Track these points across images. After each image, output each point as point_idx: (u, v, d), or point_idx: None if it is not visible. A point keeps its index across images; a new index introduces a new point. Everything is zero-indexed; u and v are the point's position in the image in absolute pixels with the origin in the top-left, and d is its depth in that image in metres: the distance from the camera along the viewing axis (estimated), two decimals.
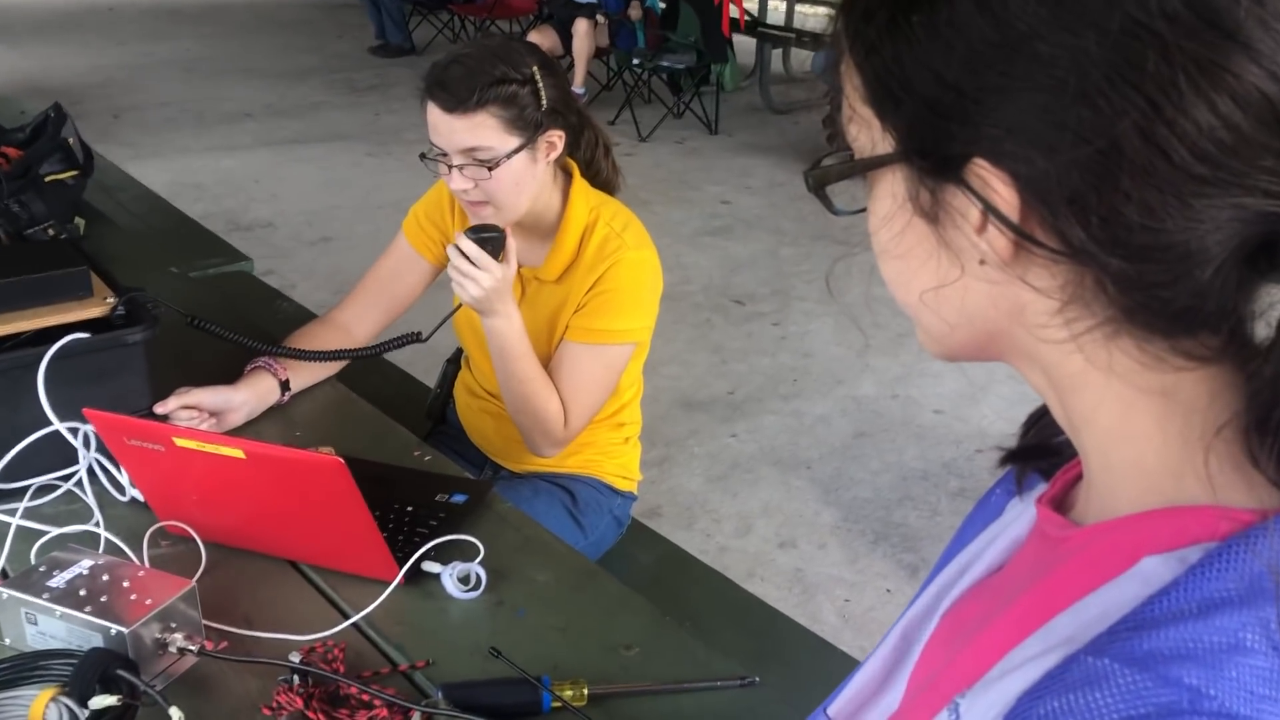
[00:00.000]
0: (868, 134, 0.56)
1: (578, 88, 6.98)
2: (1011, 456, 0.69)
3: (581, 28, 6.77)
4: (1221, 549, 0.48)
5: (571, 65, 6.94)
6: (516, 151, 1.57)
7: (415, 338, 1.61)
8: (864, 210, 0.59)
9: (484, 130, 1.55)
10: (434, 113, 1.57)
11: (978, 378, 3.70)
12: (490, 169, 1.56)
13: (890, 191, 0.56)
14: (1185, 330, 0.50)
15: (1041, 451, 0.67)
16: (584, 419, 1.68)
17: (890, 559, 2.84)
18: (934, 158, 0.52)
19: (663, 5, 6.75)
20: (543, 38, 6.99)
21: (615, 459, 1.87)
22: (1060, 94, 0.47)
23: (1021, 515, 0.68)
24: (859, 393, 3.69)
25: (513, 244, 1.55)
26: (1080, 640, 0.49)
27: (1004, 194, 0.50)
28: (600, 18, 6.85)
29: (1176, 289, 0.48)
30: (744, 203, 5.58)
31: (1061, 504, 0.62)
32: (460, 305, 1.57)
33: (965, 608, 0.68)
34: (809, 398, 3.66)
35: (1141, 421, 0.52)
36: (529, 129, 1.58)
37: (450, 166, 1.59)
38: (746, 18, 7.23)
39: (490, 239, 1.53)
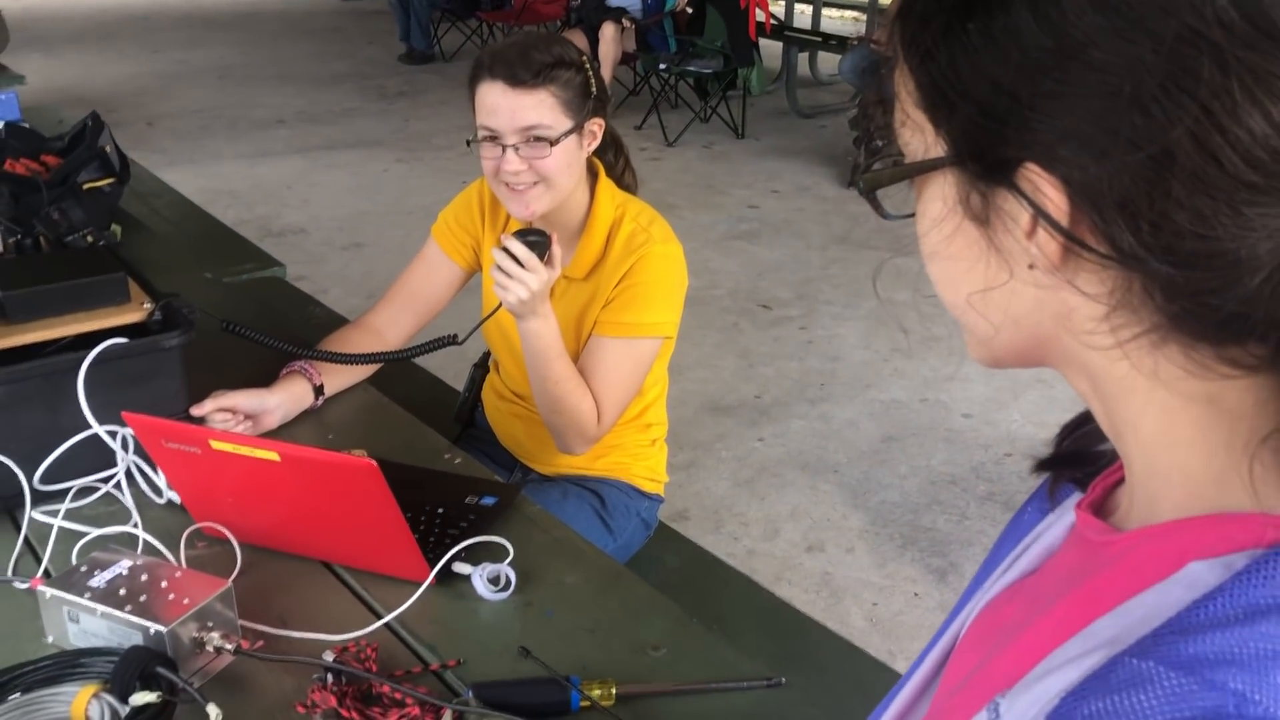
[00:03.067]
0: (920, 138, 0.57)
1: None
2: (1046, 464, 0.69)
3: (608, 32, 6.80)
4: (1268, 556, 0.48)
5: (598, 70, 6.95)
6: (570, 133, 1.60)
7: (451, 340, 1.63)
8: (912, 215, 0.60)
9: (544, 108, 1.58)
10: (493, 92, 1.59)
11: (1006, 383, 3.68)
12: (551, 144, 1.58)
13: (941, 194, 0.57)
14: (1232, 338, 0.50)
15: (1076, 460, 0.67)
16: (615, 413, 1.70)
17: (919, 563, 2.84)
18: (986, 162, 0.53)
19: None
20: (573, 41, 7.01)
21: (643, 461, 1.88)
22: (1114, 100, 0.48)
23: (1055, 523, 0.68)
24: (887, 397, 3.69)
25: (557, 250, 1.57)
26: (1123, 643, 0.49)
27: (1054, 198, 0.50)
28: (626, 22, 6.88)
29: (1225, 296, 0.48)
30: (771, 207, 5.59)
31: (1100, 509, 0.63)
32: (499, 308, 1.58)
33: (998, 610, 0.68)
34: (836, 402, 3.66)
35: (1186, 428, 0.53)
36: (579, 114, 1.61)
37: (505, 147, 1.60)
38: (773, 22, 7.23)
39: (536, 242, 1.55)
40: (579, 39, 7.00)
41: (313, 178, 5.97)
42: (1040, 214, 0.51)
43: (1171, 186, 0.47)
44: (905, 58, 0.56)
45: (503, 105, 1.58)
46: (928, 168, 0.56)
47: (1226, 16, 0.46)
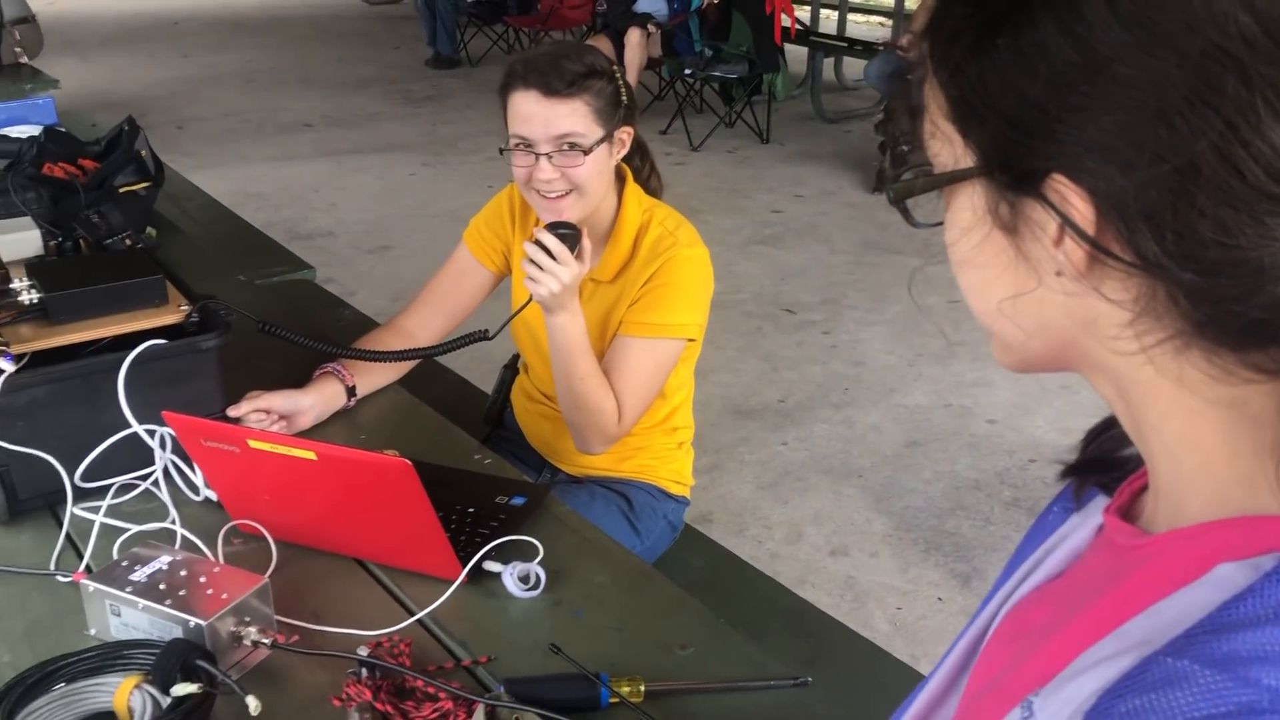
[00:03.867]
0: (950, 149, 0.58)
1: None
2: (1072, 470, 0.71)
3: (634, 37, 6.83)
4: None
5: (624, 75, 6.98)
6: (601, 141, 1.62)
7: (482, 335, 1.65)
8: (940, 224, 0.61)
9: (578, 117, 1.61)
10: (528, 101, 1.61)
11: (1031, 389, 3.68)
12: (585, 153, 1.60)
13: (970, 204, 0.58)
14: (1255, 344, 0.51)
15: (1102, 465, 0.68)
16: (636, 413, 1.71)
17: (942, 568, 2.85)
18: (1014, 173, 0.54)
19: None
20: (599, 48, 7.04)
21: (669, 464, 1.90)
22: (1140, 114, 0.49)
23: (1080, 526, 0.69)
24: (911, 402, 3.69)
25: (587, 243, 1.59)
26: (1155, 643, 0.50)
27: (1081, 208, 0.52)
28: (652, 28, 6.90)
29: (1248, 303, 0.49)
30: (795, 211, 5.60)
31: (1128, 513, 0.64)
32: (529, 302, 1.59)
33: (1025, 612, 0.69)
34: (860, 406, 3.67)
35: (1210, 432, 0.54)
36: (611, 122, 1.64)
37: (538, 156, 1.62)
38: (798, 27, 7.24)
39: (568, 235, 1.57)
40: (604, 44, 7.03)
41: (339, 181, 6.03)
42: (1067, 223, 0.52)
43: (1196, 197, 0.49)
44: (935, 71, 0.58)
45: (537, 114, 1.60)
46: (957, 178, 0.58)
47: (1250, 33, 0.47)
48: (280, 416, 1.60)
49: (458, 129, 7.00)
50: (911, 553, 2.91)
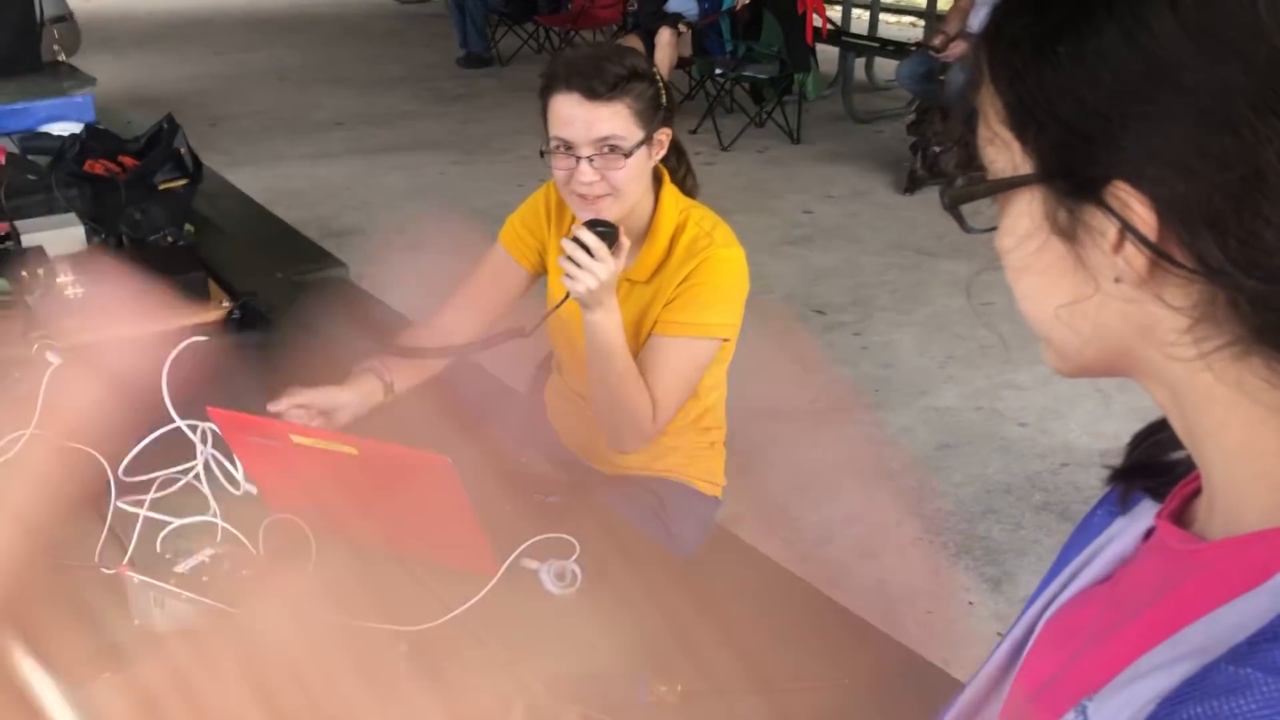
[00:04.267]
0: (1007, 156, 0.59)
1: None
2: (1119, 474, 0.70)
3: (664, 37, 6.82)
4: None
5: None
6: (641, 144, 1.63)
7: (518, 332, 1.67)
8: (993, 229, 0.62)
9: (619, 120, 1.61)
10: (570, 103, 1.61)
11: (1063, 392, 3.66)
12: (626, 156, 1.61)
13: (1028, 210, 0.58)
14: None
15: (1150, 470, 0.68)
16: (670, 412, 1.72)
17: (973, 572, 2.83)
18: (1075, 179, 0.55)
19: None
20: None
21: (702, 464, 1.90)
22: (1205, 122, 0.49)
23: (1127, 529, 0.69)
24: (942, 404, 3.68)
25: (625, 240, 1.59)
26: (1214, 650, 0.50)
27: (1143, 215, 0.52)
28: (683, 27, 6.90)
29: None
30: (825, 212, 5.58)
31: (1179, 518, 0.64)
32: (566, 299, 1.60)
33: (1072, 615, 0.69)
34: (891, 408, 3.65)
35: (1269, 439, 0.54)
36: (651, 124, 1.65)
37: (579, 158, 1.63)
38: (830, 27, 7.22)
39: (606, 233, 1.57)
40: (636, 44, 7.04)
41: (371, 179, 6.06)
42: (1129, 230, 0.53)
43: (1261, 205, 0.49)
44: (992, 78, 0.58)
45: (579, 117, 1.60)
46: (1016, 184, 0.58)
47: None
48: (319, 412, 1.62)
49: (488, 127, 7.02)
50: (942, 556, 2.90)
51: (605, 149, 1.61)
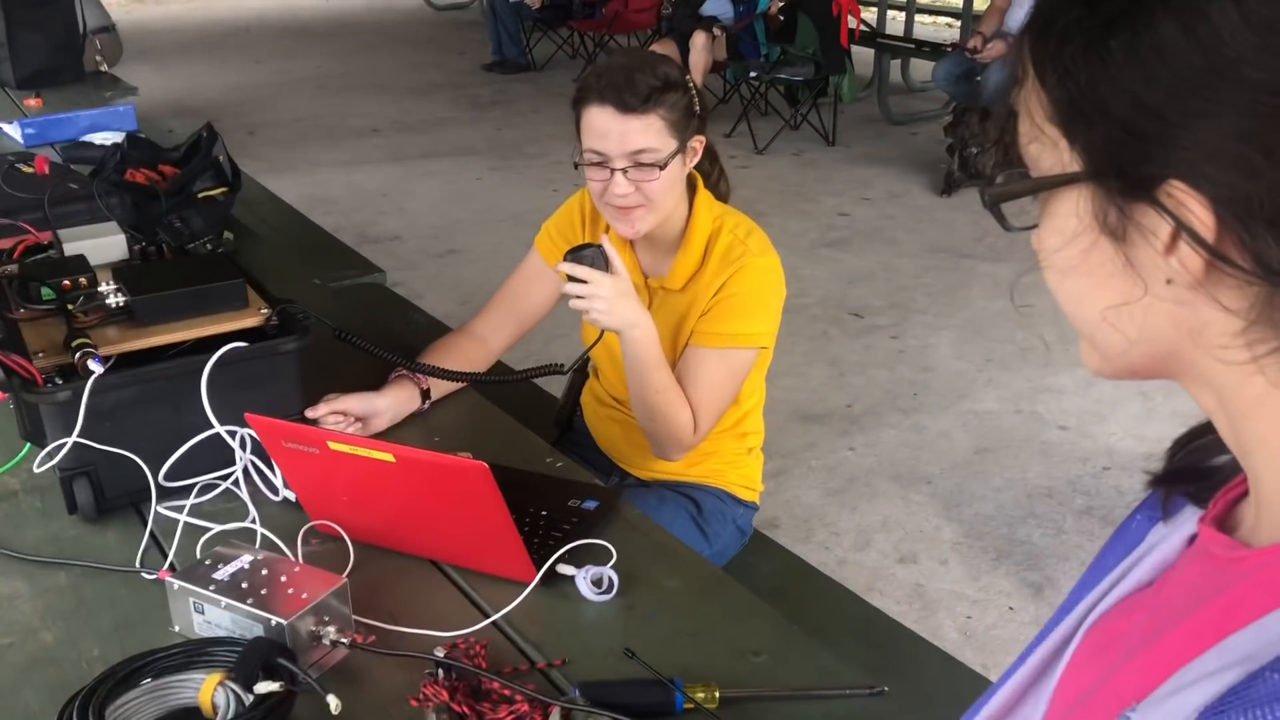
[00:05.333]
0: (1053, 153, 0.57)
1: None
2: (1161, 479, 0.69)
3: (699, 40, 6.82)
4: None
5: None
6: (675, 154, 1.62)
7: (557, 369, 1.68)
8: (1034, 227, 0.60)
9: (652, 132, 1.61)
10: (603, 116, 1.61)
11: (1105, 395, 3.61)
12: (660, 169, 1.61)
13: (1075, 210, 0.57)
14: None
15: (1191, 475, 0.67)
16: (711, 422, 1.71)
17: (1013, 577, 2.80)
18: (1128, 178, 0.53)
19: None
20: (665, 52, 7.05)
21: (739, 469, 1.89)
22: (1269, 119, 0.48)
23: (1169, 535, 0.68)
24: (981, 408, 3.64)
25: (612, 250, 1.59)
26: (1261, 658, 0.49)
27: (1200, 215, 0.50)
28: (717, 31, 6.89)
29: None
30: (861, 214, 5.55)
31: (1223, 524, 0.62)
32: (602, 335, 1.60)
33: (1114, 622, 0.68)
34: (929, 412, 3.63)
35: None
36: (684, 134, 1.64)
37: (613, 170, 1.63)
38: (864, 28, 7.18)
39: (589, 255, 1.57)
40: (670, 48, 7.04)
41: (408, 185, 6.10)
42: (1186, 230, 0.51)
43: None
44: (1039, 75, 0.57)
45: (612, 129, 1.60)
46: (1064, 182, 0.56)
47: None
48: (356, 419, 1.62)
49: (523, 133, 7.05)
50: (982, 561, 2.87)
51: (639, 161, 1.61)
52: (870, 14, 8.22)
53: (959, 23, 8.32)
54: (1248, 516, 0.60)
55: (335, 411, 1.60)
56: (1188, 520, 0.66)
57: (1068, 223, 0.57)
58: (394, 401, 1.66)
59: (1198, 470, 0.67)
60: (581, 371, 2.07)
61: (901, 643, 1.78)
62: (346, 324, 1.80)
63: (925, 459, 3.35)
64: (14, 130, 3.27)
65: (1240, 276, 0.51)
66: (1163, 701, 0.53)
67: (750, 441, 1.91)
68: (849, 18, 6.52)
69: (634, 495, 1.80)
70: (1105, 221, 0.55)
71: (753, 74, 6.72)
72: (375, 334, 1.93)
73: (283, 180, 5.75)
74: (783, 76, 6.65)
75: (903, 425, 3.55)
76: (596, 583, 1.30)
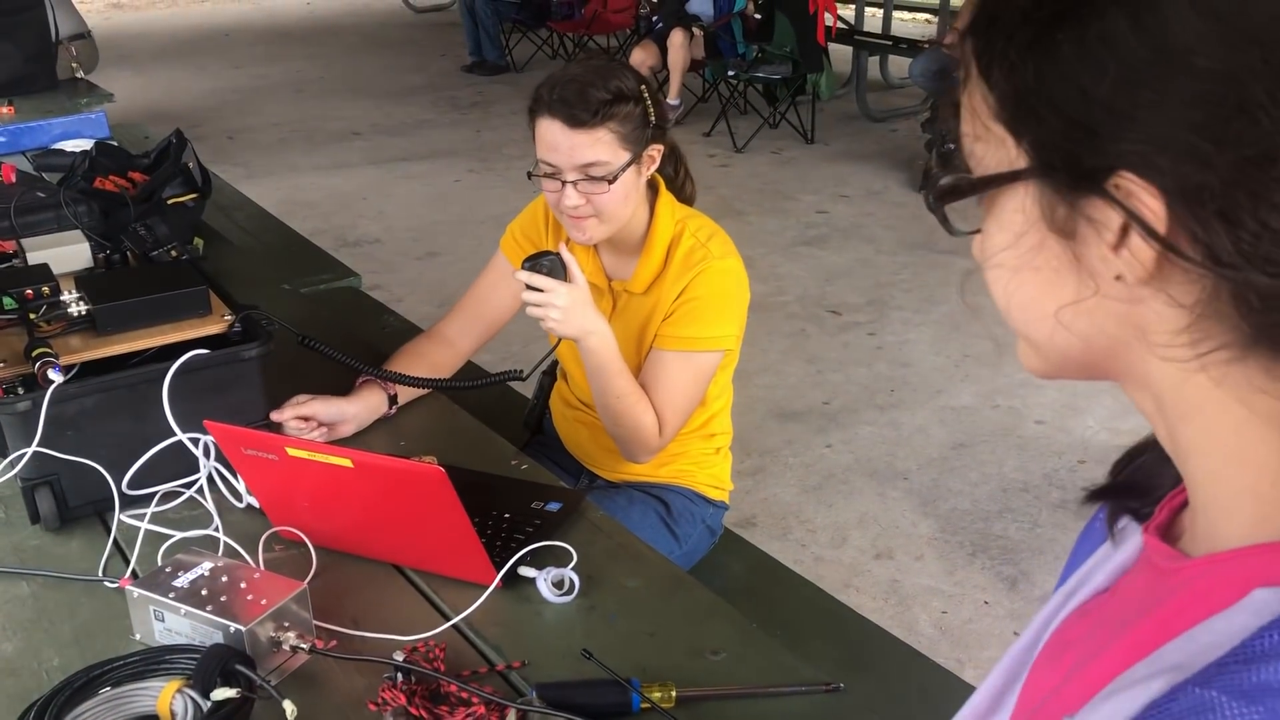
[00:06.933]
0: (999, 151, 0.56)
1: (673, 99, 7.04)
2: (1099, 494, 0.68)
3: (677, 39, 6.83)
4: None
5: (669, 78, 7.01)
6: (628, 166, 1.63)
7: (517, 375, 1.69)
8: (978, 231, 0.59)
9: (602, 145, 1.61)
10: (553, 129, 1.62)
11: (1081, 389, 3.63)
12: (609, 183, 1.61)
13: (1021, 207, 0.55)
14: None
15: (1131, 491, 0.66)
16: (677, 425, 1.72)
17: (989, 571, 2.82)
18: (1077, 171, 0.52)
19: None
20: (645, 53, 7.07)
21: (707, 469, 1.90)
22: (1219, 108, 0.47)
23: (1127, 540, 0.67)
24: (958, 403, 3.66)
25: (570, 258, 1.60)
26: (1189, 668, 0.49)
27: (1151, 206, 0.50)
28: (696, 30, 6.90)
29: None
30: (840, 212, 5.57)
31: (1168, 532, 0.62)
32: (559, 342, 1.62)
33: (1071, 628, 0.68)
34: (907, 408, 3.64)
35: (1257, 450, 0.52)
36: (638, 144, 1.64)
37: (564, 183, 1.63)
38: (841, 26, 7.19)
39: (547, 264, 1.59)
40: (649, 49, 7.05)
41: (387, 188, 6.09)
42: (1137, 222, 0.50)
43: (1276, 194, 0.47)
44: (983, 71, 0.56)
45: (561, 143, 1.61)
46: (1009, 180, 0.55)
47: None
48: (322, 424, 1.63)
49: (503, 134, 7.05)
50: (958, 556, 2.88)
51: (589, 175, 1.62)
52: (848, 11, 8.24)
53: (936, 18, 8.35)
54: (1189, 525, 0.60)
55: (300, 416, 1.60)
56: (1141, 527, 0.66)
57: (1014, 220, 0.56)
58: (362, 408, 1.67)
59: (1139, 487, 0.66)
60: (550, 374, 2.08)
61: (871, 639, 1.79)
62: (316, 329, 1.80)
63: (902, 455, 3.37)
64: None
65: (1191, 268, 0.50)
66: (1098, 708, 0.53)
67: (718, 442, 1.92)
68: (825, 15, 6.53)
69: (603, 497, 1.81)
70: (1054, 218, 0.54)
71: (731, 73, 6.73)
72: (344, 339, 1.94)
73: (262, 185, 5.75)
74: (761, 75, 6.66)
75: (880, 421, 3.56)
76: (558, 584, 1.30)
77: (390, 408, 1.71)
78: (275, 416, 1.58)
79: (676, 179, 1.82)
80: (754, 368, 3.82)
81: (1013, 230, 0.56)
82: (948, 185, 0.59)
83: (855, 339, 4.15)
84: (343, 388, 1.71)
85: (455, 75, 8.89)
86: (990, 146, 0.56)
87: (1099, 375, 0.59)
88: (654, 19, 7.38)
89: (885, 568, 2.85)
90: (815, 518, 3.06)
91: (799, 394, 3.75)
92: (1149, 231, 0.50)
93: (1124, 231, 0.51)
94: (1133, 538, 0.67)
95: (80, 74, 4.49)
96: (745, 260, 1.77)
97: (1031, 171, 0.54)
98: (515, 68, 8.91)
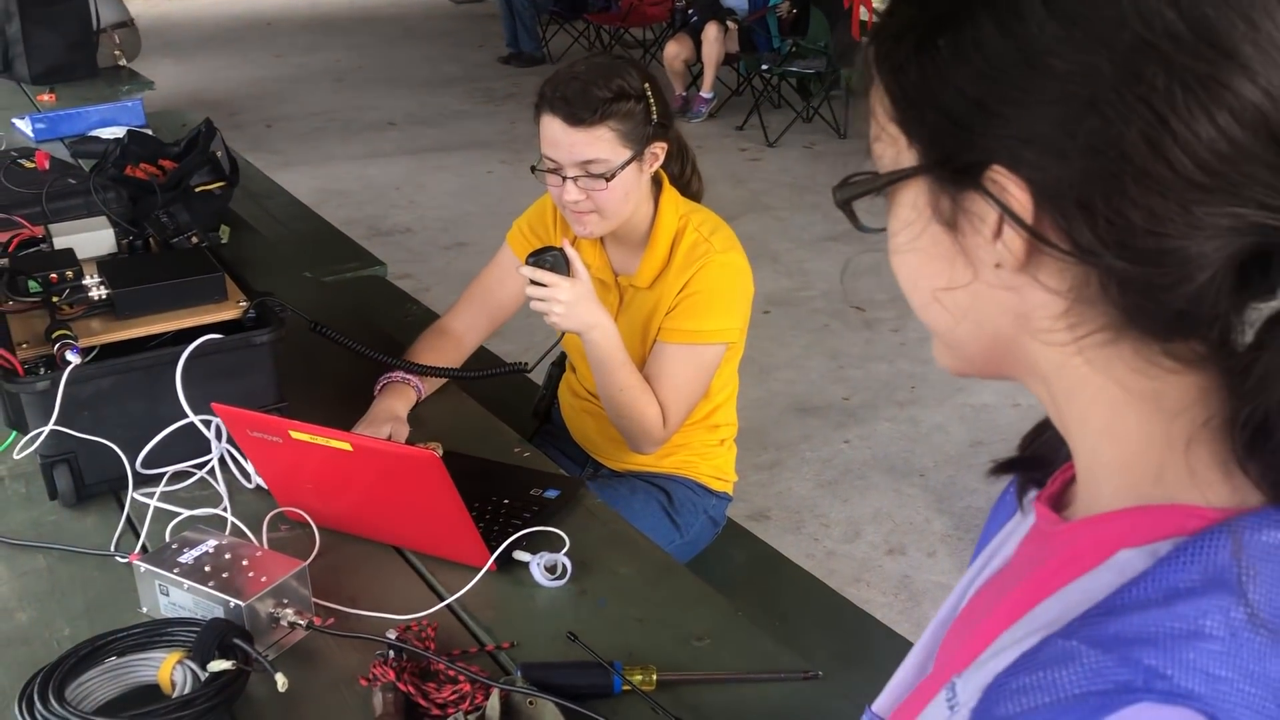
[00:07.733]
0: (894, 150, 0.61)
1: (706, 92, 7.05)
2: (1005, 467, 0.73)
3: (711, 33, 6.84)
4: (1188, 543, 0.52)
5: (703, 71, 7.02)
6: (628, 164, 1.66)
7: (523, 368, 1.73)
8: (884, 230, 0.64)
9: (601, 144, 1.64)
10: (553, 126, 1.66)
11: None
12: (607, 180, 1.64)
13: (912, 202, 0.60)
14: (1180, 333, 0.54)
15: (1033, 464, 0.71)
16: (681, 417, 1.75)
17: None
18: (955, 166, 0.57)
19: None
20: (680, 46, 7.09)
21: (710, 460, 1.93)
22: (1073, 106, 0.52)
23: (1030, 514, 0.71)
24: (978, 401, 3.66)
25: (574, 254, 1.63)
26: (1059, 625, 0.53)
27: (1019, 197, 0.54)
28: (730, 23, 6.91)
29: (1175, 292, 0.52)
30: (870, 207, 5.55)
31: (1059, 502, 0.66)
32: (563, 336, 1.65)
33: (976, 601, 0.72)
34: (926, 405, 3.65)
35: (1128, 423, 0.56)
36: (639, 142, 1.67)
37: (564, 178, 1.67)
38: (876, 20, 7.16)
39: (550, 260, 1.62)
40: (684, 42, 7.07)
41: (420, 179, 6.16)
42: (1006, 212, 0.55)
43: (1127, 186, 0.51)
44: (879, 74, 0.60)
45: (562, 141, 1.65)
46: (900, 177, 0.60)
47: (1175, 29, 0.50)
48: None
49: (535, 127, 7.08)
50: (970, 553, 2.88)
51: (589, 171, 1.65)
52: (882, 4, 8.21)
53: None
54: (1075, 496, 0.64)
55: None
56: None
57: (907, 214, 0.61)
58: (406, 409, 1.71)
59: (1041, 460, 0.70)
60: (559, 365, 2.11)
61: (868, 631, 1.81)
62: (335, 317, 1.85)
63: (920, 452, 3.37)
64: (25, 125, 3.34)
65: (1057, 256, 0.54)
66: (980, 668, 0.57)
67: (722, 433, 1.94)
68: (860, 9, 6.52)
69: (605, 486, 1.84)
70: (938, 211, 0.59)
71: (765, 67, 6.73)
72: (362, 328, 1.98)
73: (297, 173, 5.83)
74: (795, 69, 6.66)
75: (899, 418, 3.57)
76: (550, 569, 1.34)
77: (417, 402, 1.76)
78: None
79: (683, 176, 1.84)
80: (776, 362, 3.84)
81: (902, 220, 0.61)
82: (851, 184, 0.64)
83: (878, 335, 4.15)
84: (354, 373, 1.75)
85: (491, 66, 8.95)
86: (888, 146, 0.61)
87: (1000, 371, 0.63)
88: (689, 12, 7.39)
89: (897, 563, 2.86)
90: (829, 512, 3.08)
91: (819, 389, 3.76)
92: (1018, 221, 0.54)
93: (999, 223, 0.55)
94: (1032, 513, 0.70)
95: (123, 62, 4.58)
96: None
97: (919, 169, 0.59)
98: (551, 59, 8.94)
